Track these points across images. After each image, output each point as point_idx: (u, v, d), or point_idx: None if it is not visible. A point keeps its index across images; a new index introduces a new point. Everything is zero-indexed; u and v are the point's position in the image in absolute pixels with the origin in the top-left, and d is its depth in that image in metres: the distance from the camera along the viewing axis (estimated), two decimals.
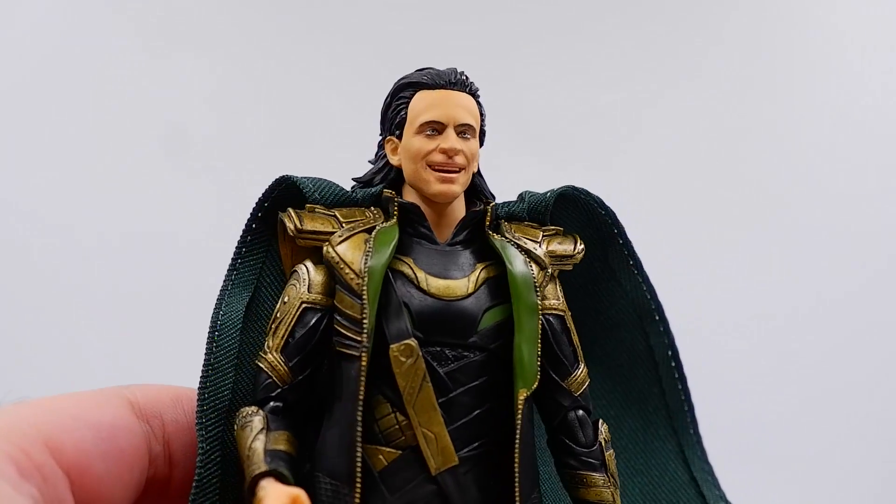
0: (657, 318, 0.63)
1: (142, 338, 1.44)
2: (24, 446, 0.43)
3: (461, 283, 0.56)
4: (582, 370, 0.58)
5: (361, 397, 0.50)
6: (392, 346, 0.52)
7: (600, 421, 0.58)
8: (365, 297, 0.52)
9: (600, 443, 0.57)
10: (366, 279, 0.53)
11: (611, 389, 0.67)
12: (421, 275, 0.55)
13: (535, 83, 1.58)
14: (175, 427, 0.55)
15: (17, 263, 1.48)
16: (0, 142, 1.52)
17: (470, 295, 0.55)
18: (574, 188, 0.62)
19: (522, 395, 0.52)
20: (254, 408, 0.54)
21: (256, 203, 0.61)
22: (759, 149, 1.58)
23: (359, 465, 0.50)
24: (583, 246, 0.61)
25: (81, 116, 1.53)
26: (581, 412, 0.57)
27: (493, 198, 0.64)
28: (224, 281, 0.60)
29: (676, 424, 0.64)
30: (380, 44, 1.56)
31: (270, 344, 0.56)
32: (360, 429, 0.50)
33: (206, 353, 0.57)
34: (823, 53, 1.63)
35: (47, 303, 1.48)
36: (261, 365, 0.55)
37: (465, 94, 0.60)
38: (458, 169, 0.58)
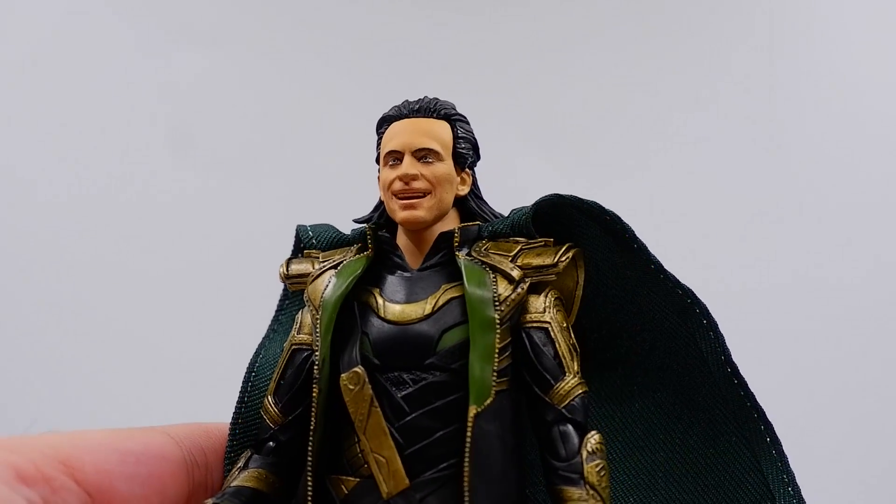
0: (705, 322, 0.58)
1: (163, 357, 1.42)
2: (33, 458, 0.44)
3: (418, 306, 0.56)
4: (568, 381, 0.55)
5: (312, 427, 0.52)
6: (342, 375, 0.53)
7: (591, 433, 0.54)
8: (318, 329, 0.54)
9: (581, 455, 0.53)
10: (321, 312, 0.55)
11: (674, 402, 0.62)
12: (381, 302, 0.56)
13: (553, 87, 1.57)
14: (215, 457, 0.57)
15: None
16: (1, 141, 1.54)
17: (427, 317, 0.55)
18: (560, 196, 0.58)
19: (472, 411, 0.50)
20: (249, 451, 0.56)
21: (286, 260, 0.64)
22: (778, 149, 1.54)
23: (310, 494, 0.51)
24: (567, 256, 0.57)
25: (83, 112, 1.55)
26: (566, 426, 0.54)
27: (497, 219, 0.63)
28: (267, 330, 0.65)
29: (748, 434, 0.58)
30: (388, 43, 1.55)
31: (268, 390, 0.58)
32: (310, 459, 0.51)
33: (240, 392, 0.60)
34: (844, 54, 1.57)
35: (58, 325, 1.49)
36: (260, 411, 0.58)
37: (430, 119, 0.60)
38: (420, 194, 0.58)
